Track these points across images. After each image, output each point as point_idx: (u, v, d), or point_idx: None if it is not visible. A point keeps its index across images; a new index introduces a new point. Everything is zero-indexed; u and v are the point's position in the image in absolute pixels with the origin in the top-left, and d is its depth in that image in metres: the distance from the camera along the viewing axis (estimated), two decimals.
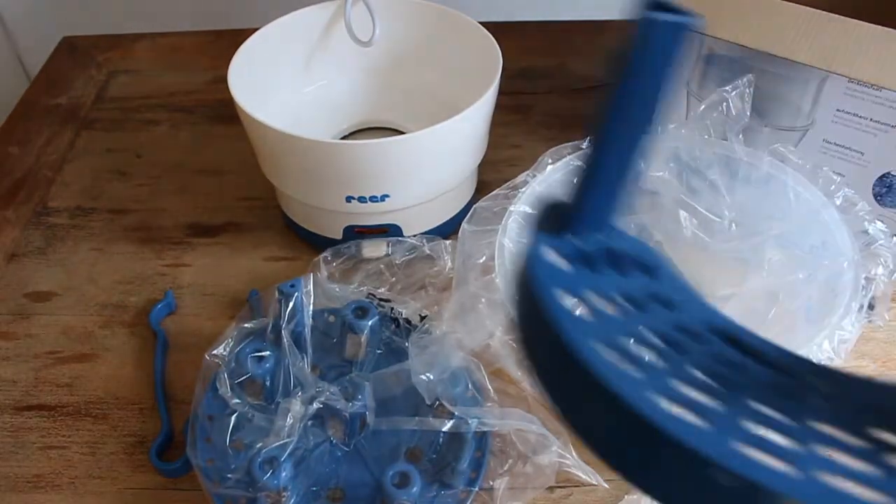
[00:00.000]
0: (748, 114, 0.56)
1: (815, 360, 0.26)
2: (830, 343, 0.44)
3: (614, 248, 0.25)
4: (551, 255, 0.24)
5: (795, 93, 0.61)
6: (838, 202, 0.52)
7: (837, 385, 0.24)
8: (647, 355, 0.23)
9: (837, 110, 0.60)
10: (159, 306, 0.63)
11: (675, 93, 0.68)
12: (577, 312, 0.23)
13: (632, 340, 0.23)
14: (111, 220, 0.73)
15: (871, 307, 0.47)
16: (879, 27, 0.58)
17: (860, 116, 0.59)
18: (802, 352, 0.43)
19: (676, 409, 0.20)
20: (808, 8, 0.60)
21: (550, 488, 0.51)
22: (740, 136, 0.56)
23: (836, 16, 0.59)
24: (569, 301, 0.23)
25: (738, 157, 0.56)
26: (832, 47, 0.57)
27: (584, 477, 0.49)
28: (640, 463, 0.20)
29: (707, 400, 0.21)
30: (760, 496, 0.18)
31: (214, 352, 0.54)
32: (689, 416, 0.20)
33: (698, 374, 0.22)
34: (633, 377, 0.20)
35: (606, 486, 0.50)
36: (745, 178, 0.56)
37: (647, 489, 0.20)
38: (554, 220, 0.25)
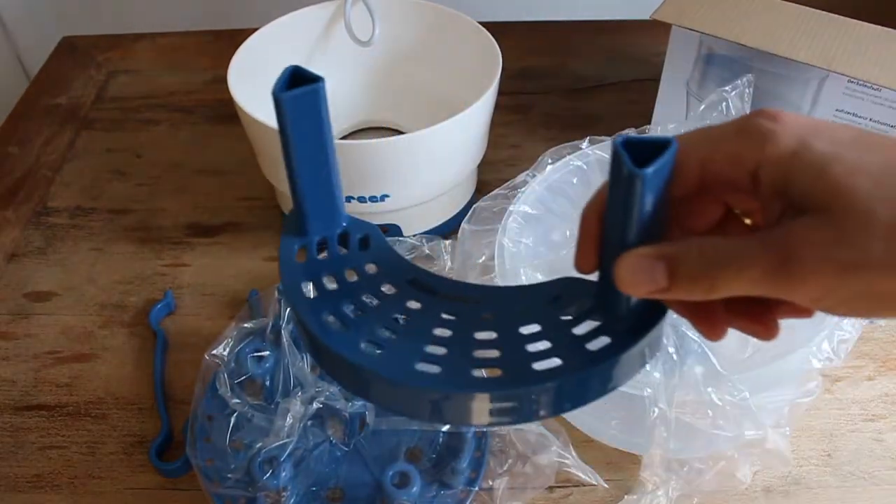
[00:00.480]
0: (747, 113, 0.56)
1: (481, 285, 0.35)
2: (830, 344, 0.44)
3: (345, 232, 0.35)
4: (295, 253, 0.34)
5: (795, 93, 0.61)
6: None
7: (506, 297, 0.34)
8: (357, 311, 0.32)
9: (837, 110, 0.60)
10: (159, 306, 0.63)
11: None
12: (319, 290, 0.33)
13: (350, 304, 0.33)
14: (111, 220, 0.73)
15: None
16: (879, 27, 0.58)
17: (860, 116, 0.59)
18: (802, 352, 0.44)
19: (367, 346, 0.30)
20: (807, 8, 0.61)
21: (550, 488, 0.51)
22: None
23: (836, 16, 0.59)
24: (308, 285, 0.33)
25: None
26: (832, 47, 0.57)
27: (583, 477, 0.49)
28: (357, 388, 0.32)
29: (391, 335, 0.31)
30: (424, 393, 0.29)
31: (214, 352, 0.54)
32: (377, 350, 0.30)
33: (395, 317, 0.32)
34: (341, 333, 0.31)
35: (606, 485, 0.50)
36: None
37: (367, 398, 0.33)
38: (293, 225, 0.34)
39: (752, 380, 0.44)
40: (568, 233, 0.57)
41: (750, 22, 0.60)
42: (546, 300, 0.33)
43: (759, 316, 0.29)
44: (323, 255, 0.35)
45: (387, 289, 0.34)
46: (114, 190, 0.76)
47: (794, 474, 0.51)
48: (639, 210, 0.26)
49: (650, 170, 0.25)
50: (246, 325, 0.56)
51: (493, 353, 0.30)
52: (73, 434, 0.55)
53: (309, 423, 0.51)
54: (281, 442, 0.49)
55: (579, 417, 0.52)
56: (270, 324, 0.56)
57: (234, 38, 0.68)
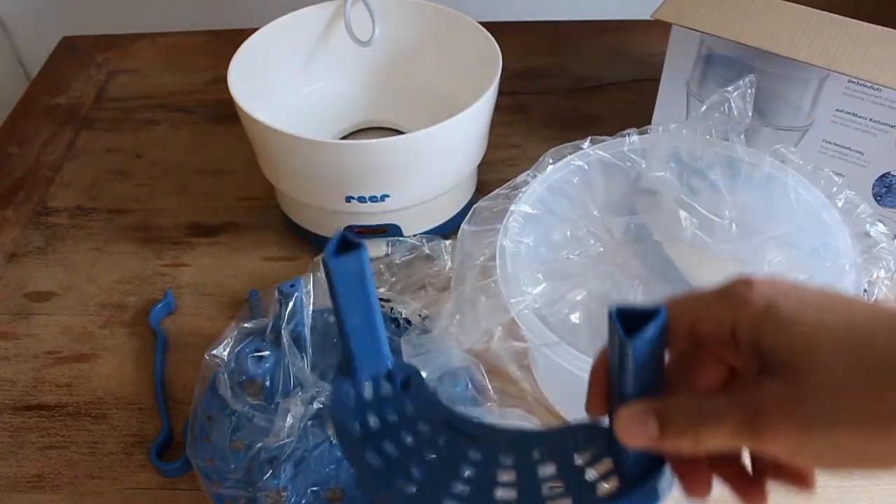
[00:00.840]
0: (750, 114, 0.56)
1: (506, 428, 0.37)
2: None
3: (389, 373, 0.38)
4: (347, 393, 0.37)
5: (795, 92, 0.61)
6: (840, 204, 0.52)
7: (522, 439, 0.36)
8: (396, 450, 0.36)
9: (837, 110, 0.60)
10: (159, 306, 0.63)
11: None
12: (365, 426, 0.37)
13: (391, 442, 0.36)
14: (111, 220, 0.73)
15: None
16: (879, 27, 0.58)
17: (860, 116, 0.59)
18: None
19: (403, 483, 0.34)
20: (808, 7, 0.61)
21: None
22: (742, 136, 0.55)
23: (836, 16, 0.59)
24: (355, 424, 0.36)
25: (739, 157, 0.55)
26: (832, 47, 0.57)
27: None
28: None
29: (424, 473, 0.35)
30: None
31: (214, 352, 0.54)
32: (413, 488, 0.34)
33: (429, 455, 0.36)
34: (382, 471, 0.35)
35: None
36: (746, 179, 0.56)
37: None
38: (344, 368, 0.38)
39: None
40: (568, 233, 0.57)
41: (750, 21, 0.60)
42: (564, 443, 0.35)
43: (747, 483, 0.31)
44: (368, 395, 0.38)
45: (422, 427, 0.37)
46: (114, 190, 0.76)
47: None
48: (632, 369, 0.30)
49: (638, 338, 0.29)
50: (246, 325, 0.56)
51: (512, 494, 0.33)
52: (73, 434, 0.55)
53: (309, 423, 0.51)
54: (281, 442, 0.49)
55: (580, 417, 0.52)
56: (270, 324, 0.56)
57: (234, 38, 0.68)
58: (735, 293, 0.29)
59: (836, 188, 0.52)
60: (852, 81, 0.58)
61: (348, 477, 0.50)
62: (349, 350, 0.37)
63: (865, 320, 0.27)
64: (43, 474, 0.53)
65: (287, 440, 0.49)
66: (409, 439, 0.37)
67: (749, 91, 0.55)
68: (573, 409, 0.53)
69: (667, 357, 0.31)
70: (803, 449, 0.26)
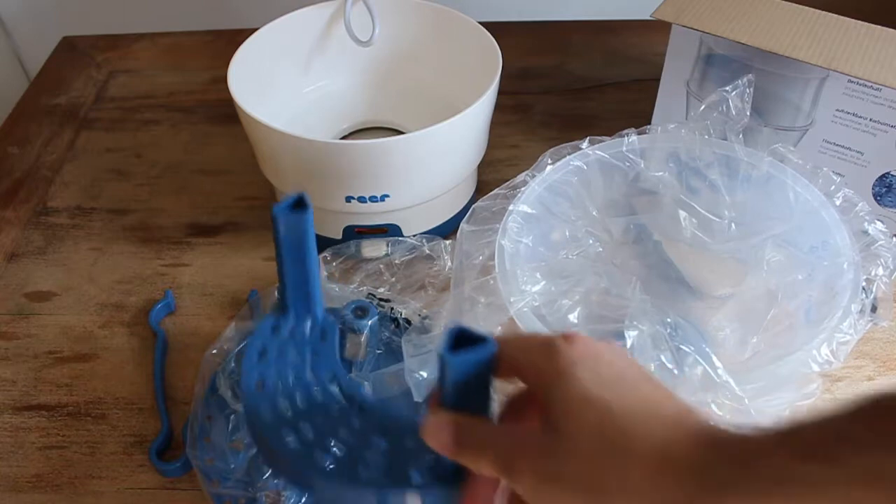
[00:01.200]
0: (748, 114, 0.56)
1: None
2: (829, 346, 0.44)
3: (316, 321, 0.44)
4: (269, 324, 0.44)
5: (795, 93, 0.61)
6: (838, 202, 0.52)
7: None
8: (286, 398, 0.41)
9: (837, 110, 0.60)
10: (159, 306, 0.63)
11: (674, 94, 0.68)
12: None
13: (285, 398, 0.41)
14: (111, 220, 0.73)
15: (873, 309, 0.47)
16: (879, 27, 0.58)
17: (860, 116, 0.59)
18: (801, 354, 0.43)
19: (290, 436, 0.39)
20: (807, 7, 0.61)
21: None
22: (740, 136, 0.55)
23: (836, 15, 0.59)
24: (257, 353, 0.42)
25: (738, 157, 0.55)
26: (832, 46, 0.57)
27: None
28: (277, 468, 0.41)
29: (308, 427, 0.39)
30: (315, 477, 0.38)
31: (214, 351, 0.54)
32: (294, 439, 0.39)
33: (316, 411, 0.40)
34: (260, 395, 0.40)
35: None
36: (744, 179, 0.56)
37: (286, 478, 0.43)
38: (278, 307, 0.45)
39: (751, 381, 0.44)
40: (567, 233, 0.57)
41: (750, 21, 0.60)
42: (410, 427, 0.39)
43: None
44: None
45: (313, 378, 0.42)
46: (114, 190, 0.76)
47: None
48: (449, 383, 0.33)
49: (457, 357, 0.32)
50: (246, 324, 0.56)
51: (342, 453, 0.39)
52: (73, 434, 0.55)
53: None
54: None
55: None
56: None
57: (234, 38, 0.68)
58: (553, 346, 0.32)
59: (834, 187, 0.52)
60: (852, 81, 0.58)
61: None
62: (284, 294, 0.44)
63: (629, 409, 0.30)
64: (43, 474, 0.53)
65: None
66: (293, 379, 0.42)
67: (747, 90, 0.55)
68: None
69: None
70: (536, 497, 0.30)
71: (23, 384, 0.59)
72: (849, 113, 0.59)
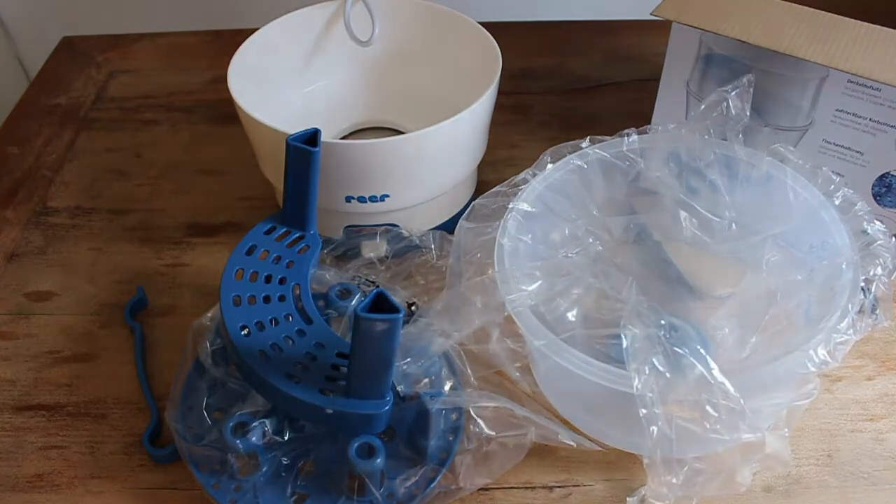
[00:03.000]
0: (748, 114, 0.56)
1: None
2: (827, 346, 0.44)
3: (304, 238, 0.55)
4: (264, 226, 0.56)
5: (795, 92, 0.61)
6: (837, 202, 0.52)
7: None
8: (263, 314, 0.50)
9: (837, 110, 0.60)
10: (133, 301, 0.63)
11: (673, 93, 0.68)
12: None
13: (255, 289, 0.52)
14: (111, 220, 0.73)
15: (873, 309, 0.47)
16: (879, 27, 0.58)
17: (859, 116, 0.59)
18: (799, 354, 0.43)
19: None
20: (807, 7, 0.61)
21: (549, 488, 0.51)
22: (740, 136, 0.56)
23: (836, 15, 0.59)
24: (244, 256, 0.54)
25: (737, 157, 0.56)
26: (831, 45, 0.57)
27: (560, 439, 0.50)
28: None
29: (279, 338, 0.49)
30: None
31: (202, 321, 0.55)
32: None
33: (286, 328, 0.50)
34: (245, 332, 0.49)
35: (573, 444, 0.50)
36: (744, 179, 0.56)
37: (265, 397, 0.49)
38: (276, 216, 0.56)
39: (749, 381, 0.44)
40: (567, 232, 0.57)
41: (749, 19, 0.60)
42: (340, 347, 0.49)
43: None
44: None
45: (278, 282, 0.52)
46: (114, 190, 0.76)
47: (794, 474, 0.51)
48: (357, 338, 0.43)
49: (366, 315, 0.40)
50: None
51: (299, 370, 0.48)
52: (73, 434, 0.55)
53: None
54: (254, 409, 0.49)
55: (580, 418, 0.52)
56: None
57: (234, 38, 0.68)
58: None
59: (833, 186, 0.52)
60: (852, 81, 0.58)
61: (320, 449, 0.51)
62: (285, 206, 0.54)
63: None
64: (43, 474, 0.53)
65: (260, 408, 0.49)
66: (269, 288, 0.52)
67: (747, 90, 0.55)
68: (573, 408, 0.53)
69: None
70: None
71: (23, 384, 0.59)
72: (848, 113, 0.59)
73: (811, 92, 0.61)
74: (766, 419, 0.47)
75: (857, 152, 0.61)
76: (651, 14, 0.62)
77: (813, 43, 0.57)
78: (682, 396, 0.43)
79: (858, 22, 0.59)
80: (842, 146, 0.61)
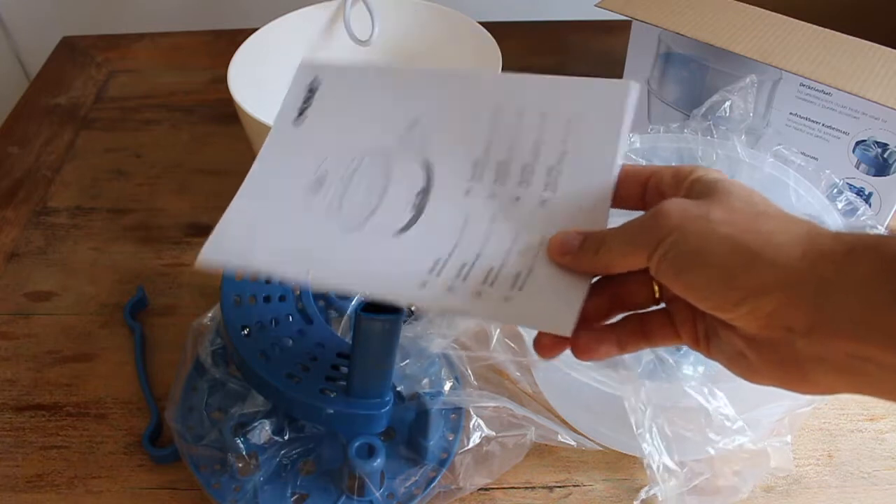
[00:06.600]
0: (751, 114, 0.56)
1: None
2: None
3: None
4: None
5: (749, 94, 0.61)
6: (840, 206, 0.52)
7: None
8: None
9: (791, 114, 0.60)
10: (134, 300, 0.63)
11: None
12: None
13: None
14: (111, 220, 0.73)
15: None
16: (831, 31, 0.57)
17: (812, 121, 0.59)
18: None
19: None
20: (759, 8, 0.60)
21: (549, 488, 0.51)
22: (742, 136, 0.55)
23: (788, 17, 0.59)
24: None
25: (740, 157, 0.55)
26: (771, 42, 0.57)
27: (559, 438, 0.50)
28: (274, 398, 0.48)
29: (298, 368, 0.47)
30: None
31: (202, 321, 0.55)
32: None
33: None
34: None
35: (573, 444, 0.50)
36: (746, 180, 0.56)
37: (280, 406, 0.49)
38: None
39: (750, 388, 0.44)
40: None
41: (695, 15, 0.60)
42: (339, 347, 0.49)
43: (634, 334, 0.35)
44: None
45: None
46: (114, 190, 0.76)
47: (794, 474, 0.51)
48: (357, 335, 0.43)
49: (366, 314, 0.41)
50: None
51: (299, 370, 0.47)
52: (73, 434, 0.55)
53: None
54: (254, 409, 0.49)
55: (580, 419, 0.52)
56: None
57: (234, 38, 0.68)
58: (683, 169, 0.34)
59: (836, 189, 0.52)
60: (804, 85, 0.57)
61: (321, 449, 0.51)
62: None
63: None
64: (43, 474, 0.53)
65: (261, 408, 0.50)
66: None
67: (750, 91, 0.55)
68: (574, 411, 0.53)
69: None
70: (681, 245, 0.30)
71: (23, 384, 0.59)
72: (802, 117, 0.59)
73: (765, 94, 0.60)
74: (769, 426, 0.47)
75: (812, 158, 0.60)
76: (595, 6, 0.62)
77: (753, 40, 0.57)
78: (682, 398, 0.43)
79: (806, 23, 0.58)
80: (797, 151, 0.61)
